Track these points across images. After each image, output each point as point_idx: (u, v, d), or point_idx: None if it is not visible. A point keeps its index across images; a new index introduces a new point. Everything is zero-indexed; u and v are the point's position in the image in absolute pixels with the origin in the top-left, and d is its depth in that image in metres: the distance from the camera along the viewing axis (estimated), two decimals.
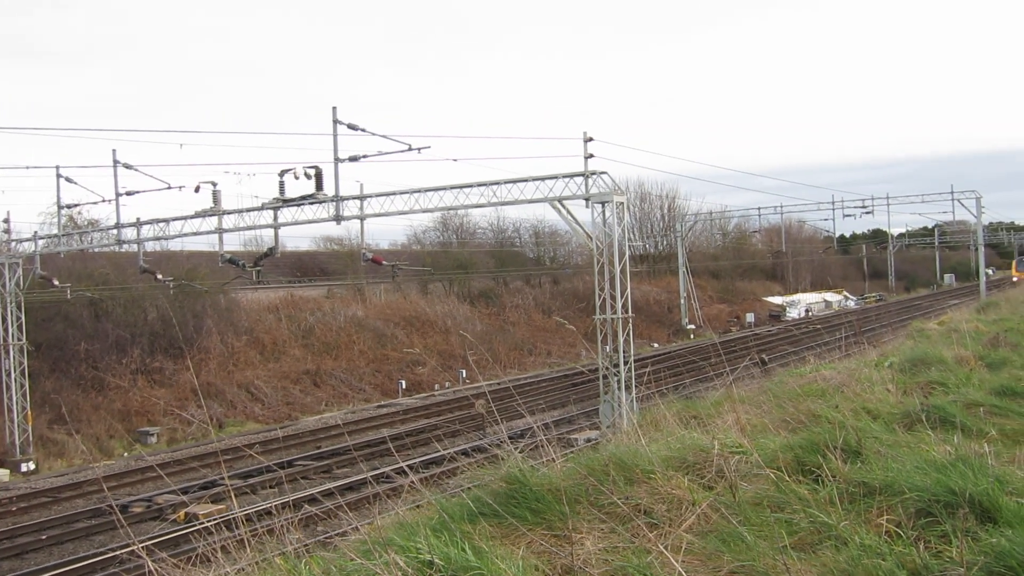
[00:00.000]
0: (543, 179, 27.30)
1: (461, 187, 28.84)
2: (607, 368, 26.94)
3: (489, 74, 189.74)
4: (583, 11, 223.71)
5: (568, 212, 27.54)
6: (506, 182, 28.13)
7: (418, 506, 7.34)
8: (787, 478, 6.47)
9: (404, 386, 44.83)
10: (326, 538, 10.46)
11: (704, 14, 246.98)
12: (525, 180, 27.71)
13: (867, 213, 66.55)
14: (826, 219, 75.06)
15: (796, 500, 6.05)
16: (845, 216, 67.50)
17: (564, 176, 26.95)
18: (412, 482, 7.43)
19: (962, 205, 63.11)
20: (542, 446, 7.48)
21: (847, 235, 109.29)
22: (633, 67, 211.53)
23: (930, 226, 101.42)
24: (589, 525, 6.05)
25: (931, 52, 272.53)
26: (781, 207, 72.51)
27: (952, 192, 62.24)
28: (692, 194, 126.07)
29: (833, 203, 66.96)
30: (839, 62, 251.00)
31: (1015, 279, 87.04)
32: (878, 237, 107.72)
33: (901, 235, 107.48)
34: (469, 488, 6.91)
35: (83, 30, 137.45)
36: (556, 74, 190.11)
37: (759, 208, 75.08)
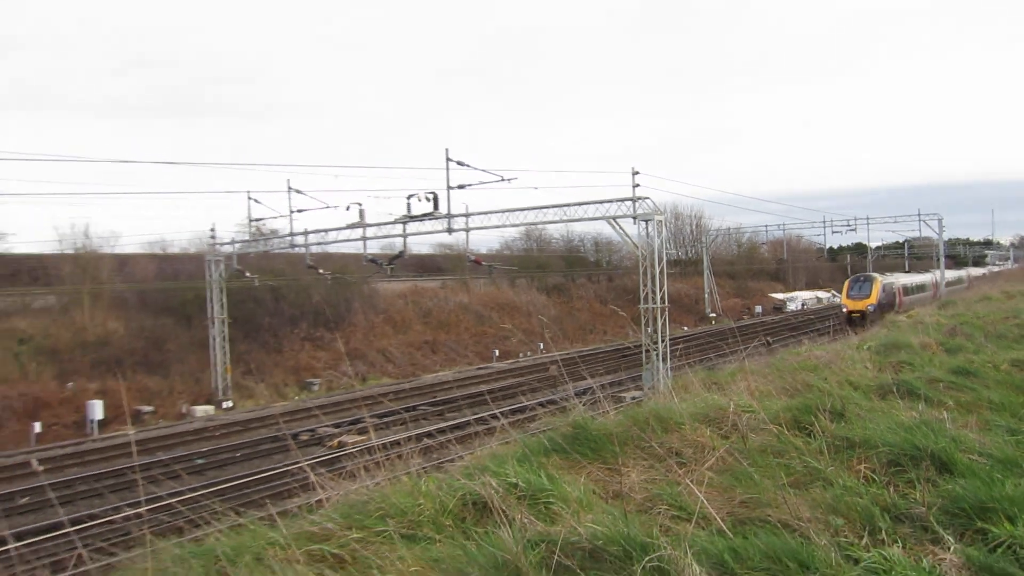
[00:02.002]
0: (601, 202, 27.14)
1: (540, 208, 28.82)
2: (648, 344, 26.67)
3: (563, 120, 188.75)
4: (635, 72, 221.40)
5: (620, 227, 27.31)
6: (574, 204, 28.03)
7: (506, 442, 7.32)
8: (786, 432, 6.29)
9: (497, 354, 45.02)
10: (439, 463, 10.53)
11: (720, 75, 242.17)
12: (588, 203, 27.58)
13: (851, 230, 64.83)
14: (819, 235, 73.44)
15: (793, 449, 5.88)
16: (833, 232, 65.98)
17: (617, 200, 26.76)
18: (503, 424, 7.42)
19: (927, 224, 61.03)
20: (599, 401, 7.41)
21: (835, 247, 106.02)
22: (669, 116, 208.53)
23: (901, 241, 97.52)
24: (634, 461, 5.97)
25: (908, 98, 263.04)
26: (784, 225, 71.35)
27: (919, 215, 60.43)
28: (715, 215, 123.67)
29: (824, 222, 65.66)
30: (830, 109, 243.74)
31: (845, 309, 45.75)
32: (860, 249, 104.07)
33: (878, 247, 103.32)
34: (544, 430, 6.89)
35: (266, 95, 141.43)
36: (611, 121, 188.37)
37: (766, 226, 74.08)
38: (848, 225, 64.01)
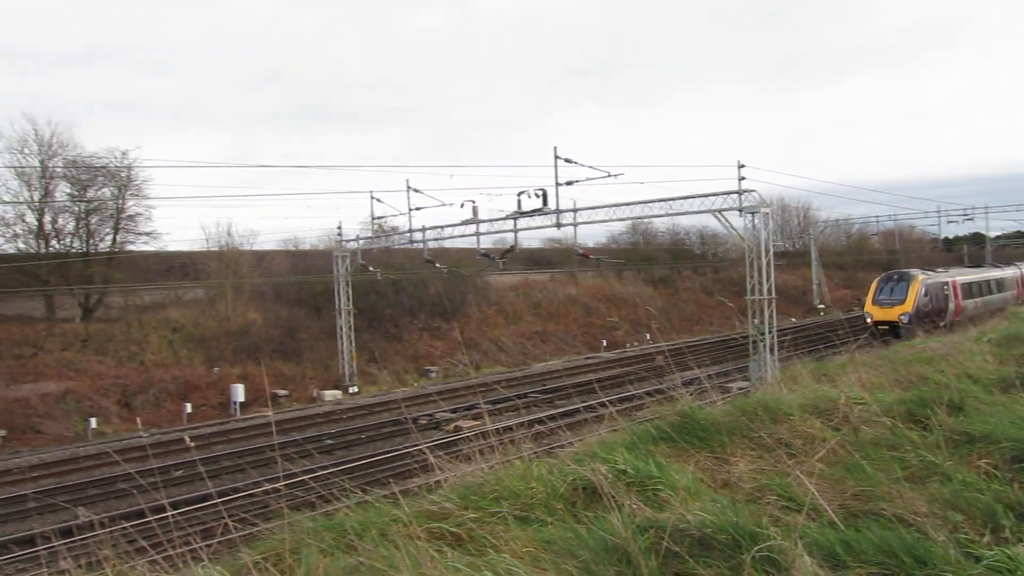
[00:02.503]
0: (707, 195, 26.46)
1: (646, 202, 28.39)
2: (755, 335, 25.86)
3: (669, 116, 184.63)
4: (741, 65, 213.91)
5: (726, 220, 26.58)
6: (680, 198, 27.45)
7: (615, 430, 7.27)
8: (900, 425, 5.96)
9: (605, 344, 44.72)
10: (549, 448, 10.56)
11: (827, 68, 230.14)
12: (694, 196, 26.95)
13: (968, 220, 60.81)
14: (933, 224, 69.49)
15: (908, 443, 5.56)
16: (949, 222, 62.09)
17: (723, 193, 26.04)
18: (611, 412, 7.37)
19: None
20: (706, 391, 7.25)
21: (951, 237, 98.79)
22: (777, 107, 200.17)
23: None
24: (742, 452, 5.81)
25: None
26: (895, 216, 67.84)
27: None
28: (823, 206, 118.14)
29: (939, 212, 62.16)
30: (941, 95, 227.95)
31: (870, 319, 34.20)
32: (977, 239, 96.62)
33: (998, 237, 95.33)
34: (652, 419, 6.79)
35: (386, 101, 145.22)
36: (716, 113, 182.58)
37: (876, 217, 70.44)
38: (965, 214, 60.12)
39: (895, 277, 35.24)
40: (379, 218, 35.52)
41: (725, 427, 6.09)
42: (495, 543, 4.28)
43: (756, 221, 25.75)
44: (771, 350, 25.18)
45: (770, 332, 25.34)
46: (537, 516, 4.72)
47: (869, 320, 34.19)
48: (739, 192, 25.70)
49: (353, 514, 4.91)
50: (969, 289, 37.20)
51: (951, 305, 34.86)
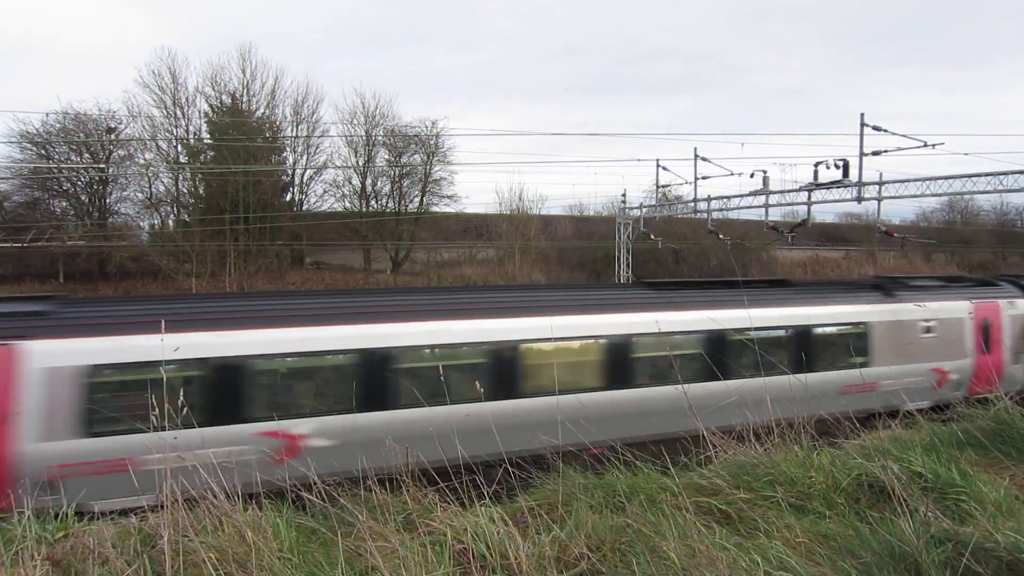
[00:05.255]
0: None
1: (968, 176, 25.00)
2: None
3: (1001, 76, 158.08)
4: None
5: None
6: (1013, 172, 23.74)
7: (911, 427, 6.60)
8: None
9: None
10: (831, 441, 9.88)
11: None
12: None
13: None
14: None
15: None
16: None
17: None
18: (908, 408, 6.70)
19: None
20: None
21: None
22: None
23: None
24: None
25: None
26: None
27: None
28: None
29: None
30: None
31: None
32: None
33: None
34: (959, 420, 6.07)
35: (677, 70, 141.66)
36: None
37: None
38: None
39: None
40: (664, 186, 35.26)
41: None
42: (767, 528, 4.15)
43: None
44: None
45: None
46: (814, 507, 4.49)
47: None
48: None
49: (623, 477, 5.03)
50: None
51: None
